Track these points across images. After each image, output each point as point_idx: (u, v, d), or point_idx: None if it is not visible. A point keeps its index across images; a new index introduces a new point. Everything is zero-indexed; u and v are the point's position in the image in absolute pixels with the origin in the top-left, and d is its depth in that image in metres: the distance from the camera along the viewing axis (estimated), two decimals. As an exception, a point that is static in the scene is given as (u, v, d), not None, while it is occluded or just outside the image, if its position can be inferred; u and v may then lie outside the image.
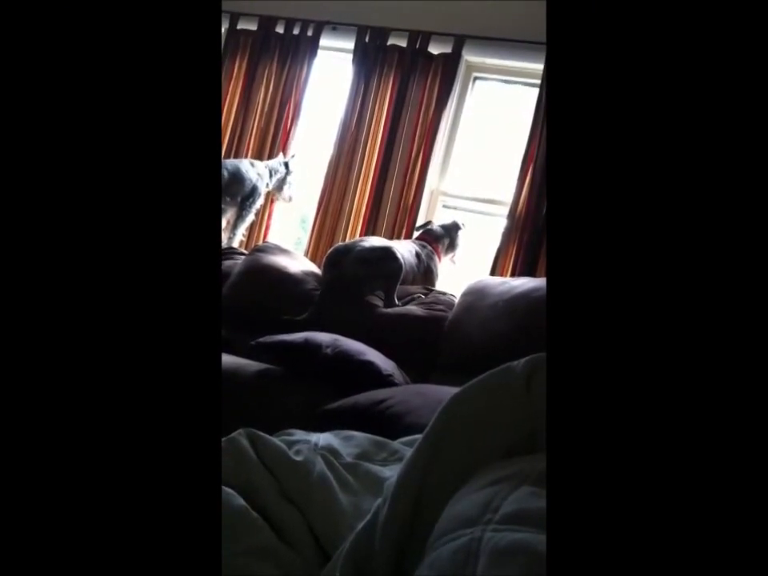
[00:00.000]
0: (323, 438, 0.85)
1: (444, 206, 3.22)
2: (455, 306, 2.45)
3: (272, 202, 3.31)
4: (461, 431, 0.56)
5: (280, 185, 3.16)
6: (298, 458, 0.76)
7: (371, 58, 3.19)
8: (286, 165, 3.14)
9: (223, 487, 0.68)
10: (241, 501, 0.67)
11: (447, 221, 2.89)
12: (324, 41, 3.30)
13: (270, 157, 3.25)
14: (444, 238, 2.81)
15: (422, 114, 3.09)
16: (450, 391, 0.59)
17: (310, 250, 3.15)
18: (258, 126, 3.36)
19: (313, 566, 0.62)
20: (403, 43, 3.14)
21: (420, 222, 3.05)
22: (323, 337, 2.00)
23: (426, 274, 2.71)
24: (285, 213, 3.47)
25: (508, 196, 2.94)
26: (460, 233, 2.85)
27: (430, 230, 2.83)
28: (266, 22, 3.38)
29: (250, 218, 3.14)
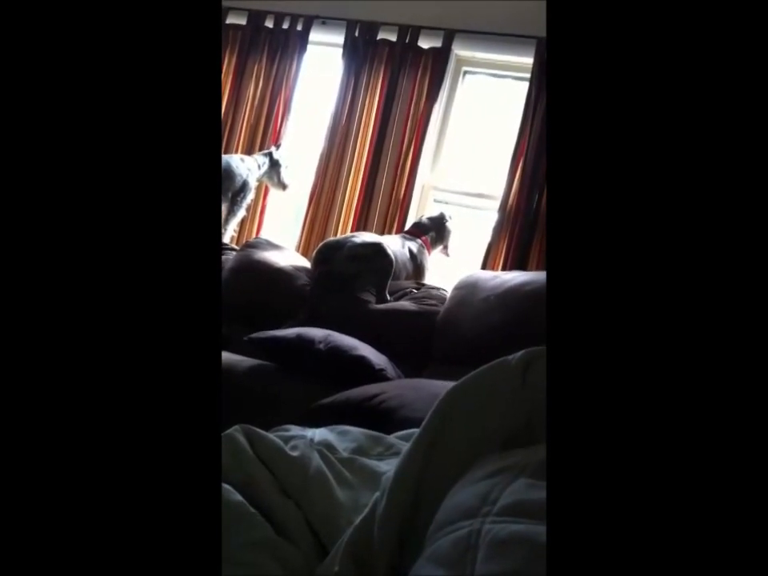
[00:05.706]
0: (319, 434, 0.85)
1: (435, 201, 3.23)
2: (447, 300, 2.46)
3: (265, 196, 3.30)
4: (458, 424, 0.56)
5: (270, 174, 3.15)
6: (295, 454, 0.77)
7: (361, 52, 3.18)
8: (270, 155, 3.13)
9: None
10: (238, 496, 0.67)
11: (435, 213, 2.90)
12: (314, 35, 3.29)
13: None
14: (431, 230, 2.81)
15: (412, 109, 3.09)
16: (443, 385, 0.60)
17: (302, 244, 3.15)
18: (248, 122, 3.34)
19: (312, 560, 0.62)
20: (393, 37, 3.14)
21: (411, 216, 3.05)
22: (316, 332, 2.00)
23: (417, 268, 2.71)
24: (278, 208, 3.45)
25: (499, 190, 2.94)
26: (447, 224, 2.85)
27: (419, 222, 2.84)
28: (255, 17, 3.36)
29: (241, 213, 3.13)
